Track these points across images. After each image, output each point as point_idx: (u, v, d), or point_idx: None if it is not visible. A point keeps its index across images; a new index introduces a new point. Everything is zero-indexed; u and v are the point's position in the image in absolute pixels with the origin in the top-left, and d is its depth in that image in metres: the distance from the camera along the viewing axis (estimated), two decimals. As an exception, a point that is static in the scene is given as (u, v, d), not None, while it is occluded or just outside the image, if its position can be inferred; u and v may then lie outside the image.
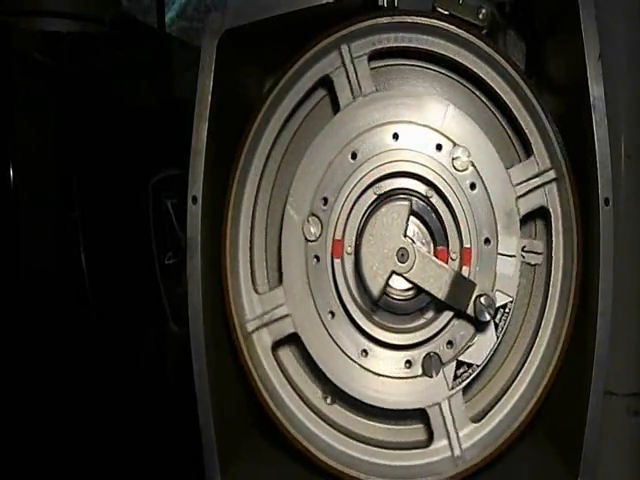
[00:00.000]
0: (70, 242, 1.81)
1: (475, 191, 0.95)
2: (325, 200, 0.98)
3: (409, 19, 0.96)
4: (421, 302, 0.98)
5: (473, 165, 0.95)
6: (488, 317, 0.92)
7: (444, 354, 0.98)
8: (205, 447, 0.99)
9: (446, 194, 0.96)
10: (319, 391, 1.08)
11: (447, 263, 0.96)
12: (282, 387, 1.04)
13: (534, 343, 1.02)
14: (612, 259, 0.92)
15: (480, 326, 0.97)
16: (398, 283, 0.97)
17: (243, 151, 1.01)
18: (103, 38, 1.80)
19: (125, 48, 1.96)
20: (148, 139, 1.94)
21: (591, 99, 0.91)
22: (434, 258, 0.95)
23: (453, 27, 0.96)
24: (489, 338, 0.97)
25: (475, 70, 0.98)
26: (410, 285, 0.96)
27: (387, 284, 0.95)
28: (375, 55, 1.01)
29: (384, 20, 0.96)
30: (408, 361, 0.99)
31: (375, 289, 0.94)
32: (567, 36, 0.97)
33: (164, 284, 2.01)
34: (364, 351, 0.99)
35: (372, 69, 1.00)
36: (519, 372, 1.02)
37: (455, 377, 0.98)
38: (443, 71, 1.04)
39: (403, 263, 0.94)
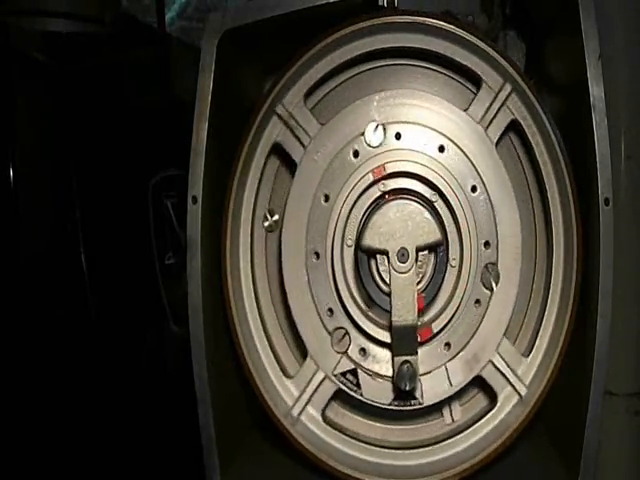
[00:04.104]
0: (70, 242, 1.81)
1: (476, 308, 0.98)
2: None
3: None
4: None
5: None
6: (403, 387, 0.93)
7: (353, 350, 0.99)
8: (205, 447, 0.99)
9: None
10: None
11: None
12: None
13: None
14: (612, 259, 0.92)
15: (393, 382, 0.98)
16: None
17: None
18: (103, 38, 1.80)
19: (125, 48, 1.96)
20: (148, 139, 1.94)
21: (591, 99, 0.91)
22: (415, 295, 0.94)
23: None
24: (385, 396, 0.99)
25: (534, 148, 0.99)
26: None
27: (376, 252, 0.96)
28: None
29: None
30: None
31: (366, 241, 0.94)
32: (567, 36, 0.97)
33: (164, 284, 2.01)
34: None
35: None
36: (455, 435, 1.02)
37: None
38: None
39: (399, 262, 0.94)
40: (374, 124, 0.96)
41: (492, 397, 1.02)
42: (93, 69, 1.87)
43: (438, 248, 0.97)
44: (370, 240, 0.94)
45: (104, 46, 1.86)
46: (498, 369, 0.99)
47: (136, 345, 1.98)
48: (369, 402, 1.00)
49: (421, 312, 0.96)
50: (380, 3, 1.02)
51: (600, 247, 0.92)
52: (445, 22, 0.95)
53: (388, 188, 0.97)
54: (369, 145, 0.97)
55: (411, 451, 1.02)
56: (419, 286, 0.98)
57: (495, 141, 0.97)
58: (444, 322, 0.97)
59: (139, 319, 1.98)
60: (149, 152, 1.95)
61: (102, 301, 1.86)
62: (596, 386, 0.93)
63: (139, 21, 2.32)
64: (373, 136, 0.96)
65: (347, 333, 0.99)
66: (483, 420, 1.01)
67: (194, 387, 0.98)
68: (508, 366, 0.99)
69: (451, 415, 1.07)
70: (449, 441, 1.02)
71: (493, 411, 1.01)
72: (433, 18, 0.96)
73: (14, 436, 1.66)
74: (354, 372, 1.00)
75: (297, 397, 1.02)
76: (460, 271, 0.97)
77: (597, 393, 0.93)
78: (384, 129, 0.97)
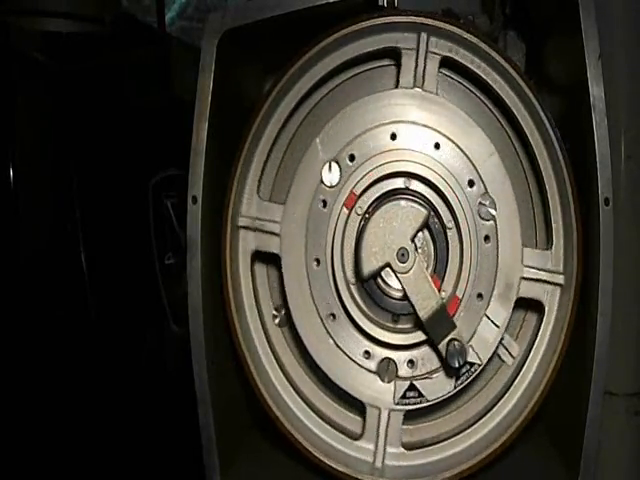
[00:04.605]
0: (70, 242, 1.81)
1: (488, 245, 0.96)
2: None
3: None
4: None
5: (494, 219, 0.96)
6: (457, 364, 0.92)
7: (402, 369, 0.98)
8: (205, 447, 0.99)
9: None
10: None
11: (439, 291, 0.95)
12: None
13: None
14: (612, 259, 0.92)
15: (446, 368, 0.97)
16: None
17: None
18: (103, 38, 1.80)
19: (125, 48, 1.96)
20: (148, 139, 1.94)
21: (591, 99, 0.91)
22: (430, 279, 0.94)
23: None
24: (447, 383, 0.98)
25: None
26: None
27: (379, 271, 0.95)
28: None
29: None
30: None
31: (366, 269, 0.94)
32: (567, 36, 0.97)
33: (164, 284, 2.01)
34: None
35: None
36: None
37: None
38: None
39: (401, 263, 0.94)
40: (326, 165, 0.96)
41: (538, 308, 1.01)
42: (93, 69, 1.87)
43: (430, 222, 0.97)
44: (369, 266, 0.94)
45: (104, 46, 1.86)
46: (532, 279, 0.97)
47: (136, 345, 1.98)
48: (436, 401, 0.98)
49: (440, 289, 0.96)
50: (380, 3, 1.02)
51: (600, 247, 0.92)
52: (445, 22, 0.95)
53: (365, 207, 0.97)
54: (331, 187, 0.97)
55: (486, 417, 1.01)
56: (429, 269, 0.98)
57: (435, 90, 0.96)
58: (465, 281, 0.96)
59: (139, 319, 1.98)
60: (149, 152, 1.95)
61: (102, 301, 1.86)
62: (596, 386, 0.93)
63: (139, 21, 2.32)
64: (331, 176, 0.96)
65: (390, 359, 0.98)
66: (540, 332, 1.00)
67: (194, 387, 0.98)
68: (539, 269, 0.98)
69: (509, 354, 1.04)
70: (518, 379, 1.00)
71: (545, 317, 0.99)
72: (433, 18, 0.95)
73: (14, 436, 1.66)
74: (411, 386, 0.98)
75: (374, 450, 1.00)
76: (459, 228, 0.96)
77: (597, 393, 0.93)
78: (337, 162, 0.96)
